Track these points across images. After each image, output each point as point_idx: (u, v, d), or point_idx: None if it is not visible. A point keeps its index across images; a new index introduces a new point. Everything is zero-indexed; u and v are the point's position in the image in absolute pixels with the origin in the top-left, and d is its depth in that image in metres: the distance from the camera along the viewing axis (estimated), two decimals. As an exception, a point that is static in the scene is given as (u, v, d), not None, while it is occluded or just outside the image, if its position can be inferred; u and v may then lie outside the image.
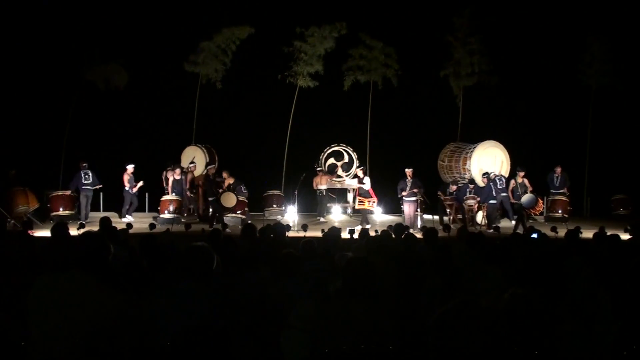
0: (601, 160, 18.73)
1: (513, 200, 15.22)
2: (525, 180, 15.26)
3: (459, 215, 15.63)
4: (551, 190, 16.11)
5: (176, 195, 14.96)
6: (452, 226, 13.37)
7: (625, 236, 8.07)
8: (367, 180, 15.44)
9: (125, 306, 3.65)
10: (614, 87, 18.18)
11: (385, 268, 5.30)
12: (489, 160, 16.73)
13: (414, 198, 14.93)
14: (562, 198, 15.68)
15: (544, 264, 3.87)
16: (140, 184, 15.33)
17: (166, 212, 14.62)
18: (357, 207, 15.06)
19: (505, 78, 18.43)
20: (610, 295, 3.92)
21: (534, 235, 8.35)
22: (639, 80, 17.99)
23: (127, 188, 15.28)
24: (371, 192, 15.27)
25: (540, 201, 14.96)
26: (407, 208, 15.10)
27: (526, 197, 14.65)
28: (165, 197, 14.84)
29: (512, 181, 15.52)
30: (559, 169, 16.05)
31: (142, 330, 3.55)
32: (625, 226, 11.78)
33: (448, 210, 15.78)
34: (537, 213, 15.13)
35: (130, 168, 15.40)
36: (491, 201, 15.07)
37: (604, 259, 5.70)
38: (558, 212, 15.47)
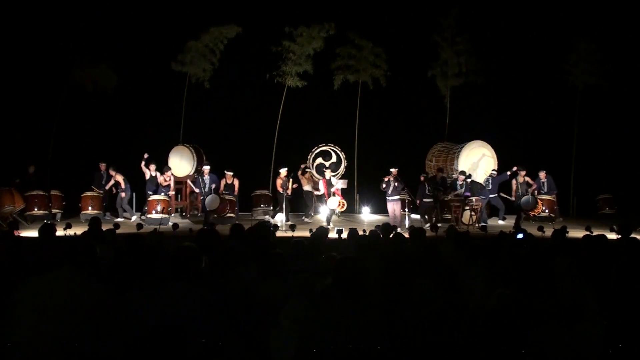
0: (587, 160, 18.86)
1: (514, 199, 15.40)
2: (528, 179, 15.44)
3: (446, 215, 15.66)
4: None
5: (164, 195, 14.90)
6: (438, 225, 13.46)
7: (611, 236, 8.13)
8: (335, 181, 15.88)
9: (112, 303, 3.65)
10: (599, 87, 18.30)
11: (374, 268, 5.31)
12: (476, 160, 16.83)
13: (397, 197, 15.02)
14: (549, 197, 15.77)
15: (531, 263, 3.90)
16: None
17: (154, 212, 14.55)
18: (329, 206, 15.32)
19: (492, 78, 18.52)
20: (596, 294, 3.95)
21: (520, 236, 8.39)
22: (625, 81, 18.13)
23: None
24: (337, 192, 15.52)
25: (540, 202, 15.04)
26: (391, 207, 15.15)
27: (524, 199, 14.78)
28: (153, 197, 14.77)
29: (514, 181, 15.66)
30: (542, 174, 15.96)
31: (129, 330, 3.54)
32: (610, 225, 11.88)
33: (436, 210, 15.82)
34: (537, 214, 15.22)
35: None
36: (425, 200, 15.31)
37: (590, 258, 5.75)
38: (545, 212, 15.57)
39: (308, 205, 16.50)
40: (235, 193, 15.54)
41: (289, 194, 15.74)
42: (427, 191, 15.33)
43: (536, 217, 15.16)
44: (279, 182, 15.67)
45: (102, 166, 15.66)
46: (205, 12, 18.14)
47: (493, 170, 16.11)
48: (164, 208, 14.58)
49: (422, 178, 15.72)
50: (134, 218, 15.29)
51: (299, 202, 17.01)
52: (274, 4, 18.51)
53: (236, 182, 15.57)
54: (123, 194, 15.53)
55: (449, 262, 5.34)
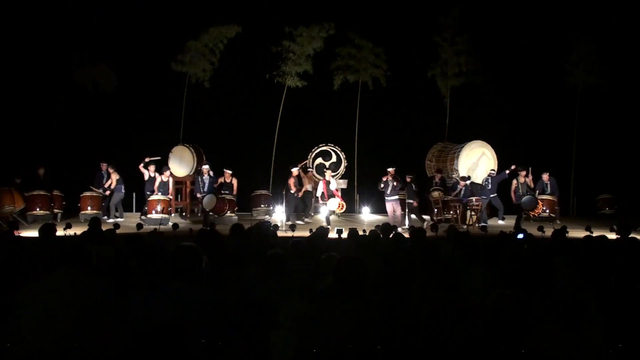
0: (587, 160, 18.86)
1: (515, 201, 15.43)
2: (528, 180, 15.47)
3: (446, 215, 15.68)
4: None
5: (162, 195, 14.91)
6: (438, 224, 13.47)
7: (611, 235, 8.13)
8: (333, 181, 16.03)
9: (112, 302, 3.66)
10: (599, 87, 18.31)
11: (374, 267, 5.31)
12: (475, 159, 16.84)
13: (396, 197, 15.04)
14: (551, 198, 15.79)
15: (531, 263, 3.89)
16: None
17: (154, 212, 14.55)
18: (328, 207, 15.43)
19: (492, 78, 18.51)
20: (596, 294, 3.95)
21: (520, 236, 8.39)
22: (624, 81, 18.13)
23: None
24: (336, 193, 15.56)
25: (541, 203, 15.04)
26: (391, 207, 15.17)
27: (526, 199, 14.79)
28: (153, 197, 14.76)
29: (514, 181, 15.67)
30: (546, 176, 15.97)
31: (128, 330, 3.54)
32: (610, 225, 11.90)
33: (436, 209, 15.82)
34: (537, 215, 15.26)
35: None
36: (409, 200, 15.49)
37: (590, 258, 5.74)
38: (546, 212, 15.58)
39: (308, 205, 16.52)
40: (234, 192, 15.55)
41: (300, 195, 15.85)
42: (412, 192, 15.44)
43: (537, 217, 15.15)
44: (292, 181, 15.76)
45: (103, 166, 15.62)
46: (205, 12, 18.13)
47: (492, 170, 16.09)
48: (164, 208, 14.58)
49: (408, 179, 15.70)
50: (110, 220, 15.08)
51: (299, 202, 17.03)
52: (274, 4, 18.50)
53: (235, 182, 15.58)
54: (107, 192, 15.50)
55: (449, 262, 5.34)
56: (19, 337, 3.48)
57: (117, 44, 17.50)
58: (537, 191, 15.74)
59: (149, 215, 14.55)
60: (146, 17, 17.63)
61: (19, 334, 3.49)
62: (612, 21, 17.96)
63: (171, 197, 15.41)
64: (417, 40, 18.72)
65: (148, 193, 15.09)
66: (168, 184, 15.21)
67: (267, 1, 18.69)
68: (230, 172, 15.53)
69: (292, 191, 15.55)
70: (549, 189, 15.83)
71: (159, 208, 14.58)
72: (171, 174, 15.60)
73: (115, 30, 17.41)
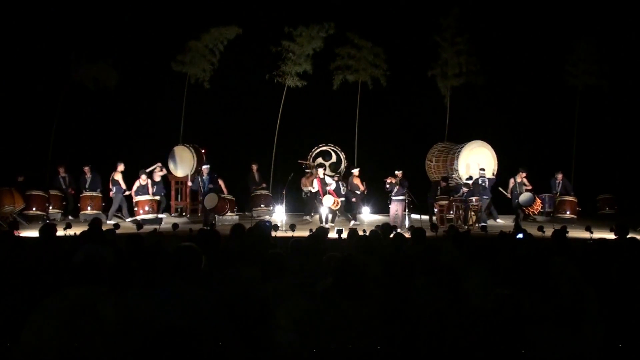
0: (587, 160, 18.85)
1: (509, 197, 15.49)
2: (525, 180, 15.51)
3: (448, 216, 15.68)
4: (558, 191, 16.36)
5: (154, 195, 14.91)
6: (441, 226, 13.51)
7: (611, 236, 8.15)
8: (329, 181, 15.99)
9: (117, 308, 3.66)
10: (599, 87, 18.29)
11: (374, 268, 5.30)
12: (476, 159, 16.82)
13: (401, 198, 15.04)
14: (571, 199, 15.81)
15: (531, 263, 3.90)
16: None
17: (141, 211, 14.53)
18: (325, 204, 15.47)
19: (492, 78, 18.51)
20: (596, 295, 3.95)
21: (520, 236, 8.39)
22: (625, 81, 18.13)
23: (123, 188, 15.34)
24: (332, 192, 15.64)
25: (539, 200, 15.05)
26: (394, 207, 15.19)
27: (524, 196, 14.81)
28: (144, 197, 14.72)
29: (512, 180, 15.69)
30: (560, 176, 16.09)
31: (127, 330, 3.54)
32: (611, 225, 11.90)
33: (436, 210, 15.82)
34: (536, 212, 15.25)
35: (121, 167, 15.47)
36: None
37: (590, 259, 5.75)
38: (566, 213, 15.64)
39: (308, 205, 16.51)
40: (225, 192, 15.55)
41: (365, 193, 16.37)
42: (342, 191, 15.67)
43: (558, 218, 15.18)
44: (358, 180, 16.32)
45: (86, 169, 15.68)
46: (205, 13, 18.14)
47: (481, 169, 15.97)
48: (151, 208, 14.60)
49: (335, 178, 15.79)
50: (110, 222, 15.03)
51: (300, 202, 17.04)
52: (273, 4, 18.49)
53: (221, 182, 15.63)
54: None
55: (449, 262, 5.35)
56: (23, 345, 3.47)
57: (118, 44, 17.49)
58: (557, 192, 15.83)
59: (137, 217, 14.48)
60: (147, 17, 17.62)
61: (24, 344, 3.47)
62: (612, 21, 17.95)
63: (155, 198, 15.33)
64: (417, 40, 18.71)
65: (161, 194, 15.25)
66: (146, 187, 15.10)
67: (267, 1, 18.69)
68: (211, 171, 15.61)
69: (360, 191, 16.11)
70: (558, 187, 15.90)
71: (147, 208, 14.58)
72: (150, 175, 15.55)
73: (115, 30, 17.39)
